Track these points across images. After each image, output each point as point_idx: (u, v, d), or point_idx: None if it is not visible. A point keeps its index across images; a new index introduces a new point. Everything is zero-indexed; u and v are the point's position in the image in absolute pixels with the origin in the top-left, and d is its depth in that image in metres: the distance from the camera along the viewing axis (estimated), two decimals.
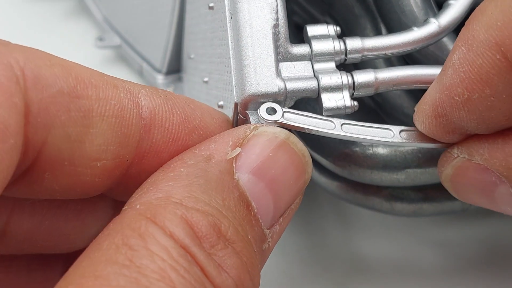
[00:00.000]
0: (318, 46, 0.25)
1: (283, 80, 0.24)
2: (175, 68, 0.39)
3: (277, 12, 0.24)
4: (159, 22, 0.37)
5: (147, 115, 0.22)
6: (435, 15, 0.26)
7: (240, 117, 0.24)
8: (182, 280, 0.17)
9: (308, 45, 0.25)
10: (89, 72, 0.21)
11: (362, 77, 0.25)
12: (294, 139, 0.23)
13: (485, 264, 0.34)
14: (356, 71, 0.25)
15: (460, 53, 0.22)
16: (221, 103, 0.26)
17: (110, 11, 0.44)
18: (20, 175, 0.20)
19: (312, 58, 0.25)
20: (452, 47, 0.24)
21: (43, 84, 0.19)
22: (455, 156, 0.24)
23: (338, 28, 0.26)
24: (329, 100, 0.24)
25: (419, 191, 0.31)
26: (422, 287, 0.33)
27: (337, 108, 0.24)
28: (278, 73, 0.24)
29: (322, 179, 0.31)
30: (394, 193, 0.31)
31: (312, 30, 0.25)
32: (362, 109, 0.26)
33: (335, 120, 0.24)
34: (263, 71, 0.23)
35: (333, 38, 0.25)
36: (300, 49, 0.25)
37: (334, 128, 0.24)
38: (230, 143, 0.22)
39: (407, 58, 0.29)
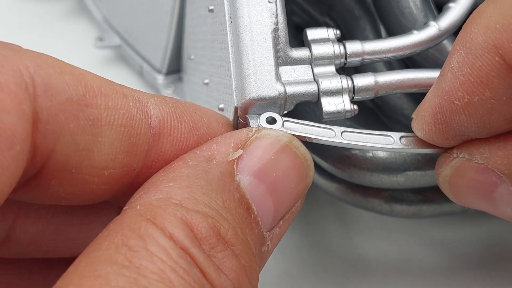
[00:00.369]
0: (318, 49, 0.25)
1: (283, 84, 0.24)
2: (175, 68, 0.39)
3: (276, 16, 0.24)
4: (159, 22, 0.37)
5: (156, 124, 0.22)
6: (435, 18, 0.26)
7: (240, 121, 0.24)
8: (181, 281, 0.17)
9: (308, 49, 0.25)
10: (98, 81, 0.21)
11: (362, 81, 0.25)
12: (297, 142, 0.23)
13: (485, 265, 0.34)
14: (356, 74, 0.25)
15: (459, 57, 0.22)
16: (221, 106, 0.27)
17: (110, 11, 0.44)
18: (27, 181, 0.20)
19: (312, 62, 0.25)
20: None
21: (53, 92, 0.19)
22: (454, 156, 0.24)
23: (338, 32, 0.26)
24: (329, 104, 0.24)
25: (419, 193, 0.31)
26: (421, 287, 0.34)
27: (337, 112, 0.24)
28: (278, 77, 0.24)
29: (322, 181, 0.31)
30: (393, 195, 0.31)
31: (312, 33, 0.25)
32: (361, 110, 0.26)
33: (335, 128, 0.24)
34: (263, 76, 0.23)
35: (333, 41, 0.25)
36: (300, 53, 0.25)
37: (335, 136, 0.24)
38: (232, 144, 0.22)
39: (407, 60, 0.29)
